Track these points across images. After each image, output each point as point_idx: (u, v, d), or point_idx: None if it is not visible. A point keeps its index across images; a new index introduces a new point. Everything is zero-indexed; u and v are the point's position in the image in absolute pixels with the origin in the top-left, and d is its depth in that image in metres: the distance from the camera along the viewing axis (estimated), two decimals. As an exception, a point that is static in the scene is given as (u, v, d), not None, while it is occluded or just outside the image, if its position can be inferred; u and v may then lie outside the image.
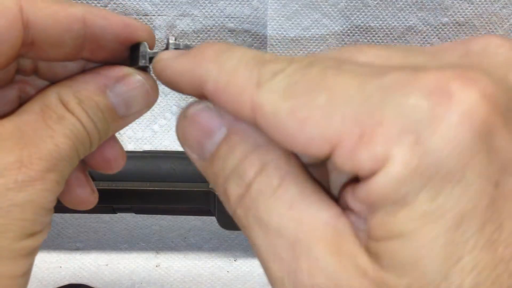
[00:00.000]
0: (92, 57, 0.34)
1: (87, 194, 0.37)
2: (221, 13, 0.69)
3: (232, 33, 0.69)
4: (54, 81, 0.35)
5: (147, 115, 0.75)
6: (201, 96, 0.28)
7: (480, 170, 0.22)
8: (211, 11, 0.69)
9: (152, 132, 0.75)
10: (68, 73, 0.34)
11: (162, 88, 0.73)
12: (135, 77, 0.33)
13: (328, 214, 0.25)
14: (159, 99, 0.74)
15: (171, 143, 0.76)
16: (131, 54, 0.34)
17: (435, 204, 0.22)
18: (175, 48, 0.32)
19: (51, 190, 0.31)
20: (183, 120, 0.29)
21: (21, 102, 0.34)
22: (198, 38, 0.71)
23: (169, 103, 0.74)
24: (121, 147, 0.37)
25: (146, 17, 0.69)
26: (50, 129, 0.31)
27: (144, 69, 0.34)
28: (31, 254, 0.32)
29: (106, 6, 0.68)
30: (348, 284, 0.23)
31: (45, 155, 0.31)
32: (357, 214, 0.25)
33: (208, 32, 0.70)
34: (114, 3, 0.69)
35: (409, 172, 0.22)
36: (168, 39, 0.32)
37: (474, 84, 0.22)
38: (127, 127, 0.70)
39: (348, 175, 0.26)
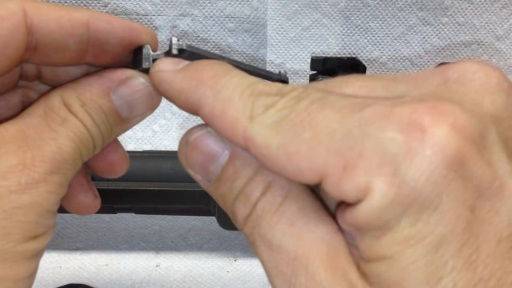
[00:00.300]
0: (96, 62, 0.34)
1: (90, 200, 0.37)
2: (221, 13, 0.69)
3: (232, 33, 0.69)
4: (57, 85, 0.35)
5: (147, 115, 0.75)
6: (197, 115, 0.29)
7: (455, 197, 0.23)
8: (211, 11, 0.69)
9: (152, 132, 0.75)
10: (71, 78, 0.34)
11: (162, 88, 0.73)
12: (139, 80, 0.33)
13: (325, 231, 0.27)
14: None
15: (171, 143, 0.76)
16: (134, 57, 0.34)
17: (415, 229, 0.23)
18: (179, 49, 0.32)
19: (54, 192, 0.31)
20: (185, 146, 0.30)
21: (24, 107, 0.34)
22: (198, 38, 0.71)
23: (169, 103, 0.74)
24: (124, 151, 0.37)
25: (146, 17, 0.69)
26: (53, 131, 0.31)
27: (147, 72, 0.33)
28: (35, 256, 0.31)
29: (106, 6, 0.68)
30: None
31: (48, 158, 0.31)
32: (349, 234, 0.26)
33: (208, 32, 0.70)
34: (114, 3, 0.69)
35: (389, 201, 0.23)
36: (171, 40, 0.32)
37: (445, 117, 0.24)
38: (127, 127, 0.70)
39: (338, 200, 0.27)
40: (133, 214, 0.72)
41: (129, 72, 0.33)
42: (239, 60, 0.71)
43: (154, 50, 0.34)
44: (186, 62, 0.31)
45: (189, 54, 0.32)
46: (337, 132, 0.25)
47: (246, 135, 0.27)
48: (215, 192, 0.30)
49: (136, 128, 0.75)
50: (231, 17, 0.69)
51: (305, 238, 0.26)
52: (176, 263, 0.69)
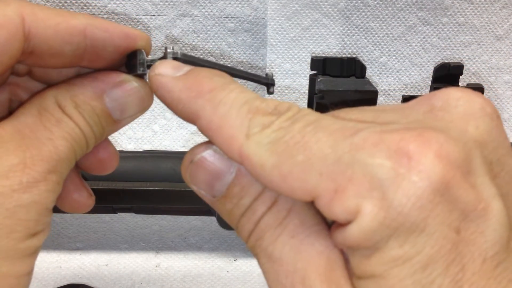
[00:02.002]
0: (90, 65, 0.34)
1: (85, 198, 0.37)
2: (221, 13, 0.69)
3: (232, 33, 0.69)
4: (48, 83, 0.35)
5: (147, 115, 0.75)
6: (192, 124, 0.30)
7: (440, 219, 0.25)
8: (211, 11, 0.69)
9: (152, 132, 0.75)
10: (63, 76, 0.35)
11: (162, 88, 0.73)
12: (132, 84, 0.34)
13: (325, 244, 0.28)
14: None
15: (171, 143, 0.76)
16: (128, 61, 0.34)
17: (402, 250, 0.25)
18: (173, 58, 0.33)
19: (52, 190, 0.32)
20: (190, 164, 0.31)
21: (12, 105, 0.35)
22: (198, 38, 0.71)
23: (169, 103, 0.74)
24: (114, 148, 0.38)
25: (146, 17, 0.69)
26: (48, 131, 0.32)
27: (141, 76, 0.35)
28: (34, 253, 0.32)
29: (106, 6, 0.68)
30: None
31: (46, 157, 0.31)
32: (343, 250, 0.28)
33: (208, 32, 0.70)
34: (114, 3, 0.69)
35: (377, 223, 0.25)
36: (165, 48, 0.33)
37: (431, 145, 0.25)
38: (127, 127, 0.70)
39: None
40: (133, 214, 0.72)
41: (123, 76, 0.34)
42: (239, 60, 0.71)
43: (148, 54, 0.34)
44: (186, 67, 0.31)
45: (183, 62, 0.32)
46: (329, 156, 0.26)
47: (242, 153, 0.28)
48: (220, 208, 0.31)
49: (136, 128, 0.75)
50: (231, 17, 0.69)
51: (304, 251, 0.28)
52: (176, 263, 0.69)
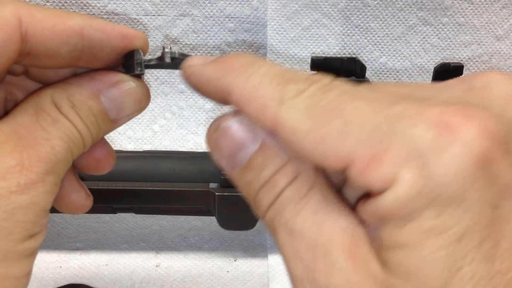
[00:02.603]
0: (87, 66, 0.34)
1: (83, 199, 0.37)
2: (221, 13, 0.69)
3: (232, 33, 0.69)
4: (44, 83, 0.35)
5: (147, 115, 0.75)
6: (226, 103, 0.30)
7: (479, 195, 0.25)
8: (211, 11, 0.69)
9: (152, 132, 0.75)
10: (59, 76, 0.35)
11: (162, 88, 0.73)
12: (129, 84, 0.34)
13: (347, 222, 0.28)
14: (159, 99, 0.75)
15: (171, 143, 0.76)
16: (126, 61, 0.35)
17: (438, 221, 0.25)
18: (171, 57, 0.34)
19: (50, 192, 0.32)
20: (215, 131, 0.31)
21: (7, 104, 0.35)
22: (198, 38, 0.71)
23: (169, 103, 0.74)
24: (110, 147, 0.38)
25: (146, 17, 0.69)
26: (45, 131, 0.32)
27: (139, 76, 0.35)
28: (32, 254, 0.32)
29: (106, 6, 0.68)
30: (359, 286, 0.26)
31: (43, 158, 0.31)
32: (370, 225, 0.27)
33: (208, 32, 0.70)
34: (114, 3, 0.68)
35: (415, 192, 0.25)
36: (163, 49, 0.33)
37: (474, 119, 0.25)
38: (127, 127, 0.70)
39: (361, 191, 0.28)
40: (133, 214, 0.72)
41: (120, 75, 0.34)
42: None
43: (145, 54, 0.35)
44: (214, 57, 0.32)
45: (181, 62, 0.33)
46: (367, 124, 0.26)
47: (276, 119, 0.27)
48: (239, 179, 0.30)
49: (136, 128, 0.75)
50: (231, 17, 0.69)
51: (327, 226, 0.27)
52: (176, 263, 0.69)
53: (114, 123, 0.35)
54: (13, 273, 0.31)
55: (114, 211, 0.63)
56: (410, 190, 0.25)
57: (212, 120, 0.31)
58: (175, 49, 0.34)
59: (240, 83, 0.29)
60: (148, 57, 0.34)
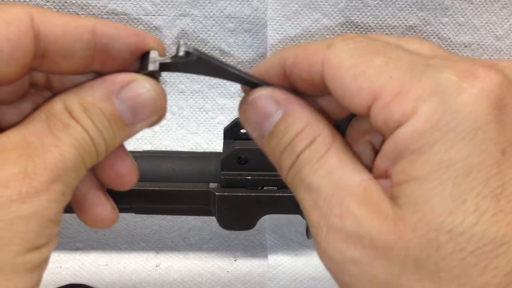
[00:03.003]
0: (103, 69, 0.33)
1: (108, 212, 0.37)
2: (221, 13, 0.69)
3: (232, 33, 0.69)
4: None
5: (147, 115, 0.75)
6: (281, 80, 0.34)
7: (490, 135, 0.27)
8: (211, 11, 0.69)
9: (152, 132, 0.75)
10: None
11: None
12: (141, 83, 0.33)
13: (361, 178, 0.30)
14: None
15: (171, 143, 0.76)
16: (141, 62, 0.33)
17: (447, 155, 0.27)
18: (185, 51, 0.32)
19: (56, 201, 0.31)
20: (244, 105, 0.34)
21: None
22: (198, 38, 0.70)
23: (169, 103, 0.74)
24: (132, 161, 0.37)
25: (146, 17, 0.69)
26: (55, 137, 0.31)
27: (153, 75, 0.33)
28: (37, 268, 0.31)
29: (106, 6, 0.68)
30: (371, 225, 0.28)
31: (50, 165, 0.30)
32: (385, 177, 0.30)
33: (208, 32, 0.70)
34: (114, 3, 0.68)
35: (429, 125, 0.27)
36: (179, 43, 0.32)
37: (496, 74, 0.28)
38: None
39: (379, 138, 0.32)
40: (133, 214, 0.72)
41: (132, 75, 0.33)
42: (239, 60, 0.71)
43: (162, 55, 0.33)
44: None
45: (196, 58, 0.32)
46: (404, 65, 0.29)
47: (324, 59, 0.31)
48: (266, 146, 0.34)
49: (136, 128, 0.75)
50: (231, 17, 0.69)
51: (341, 183, 0.30)
52: (176, 263, 0.69)
53: (129, 128, 0.33)
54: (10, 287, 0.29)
55: (114, 211, 0.63)
56: (426, 123, 0.27)
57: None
58: (191, 44, 0.33)
59: (293, 49, 0.33)
60: (163, 57, 0.33)
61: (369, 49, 0.30)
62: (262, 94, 0.33)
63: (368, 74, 0.29)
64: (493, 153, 0.27)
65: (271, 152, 0.33)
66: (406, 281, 0.28)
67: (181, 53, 0.32)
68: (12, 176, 0.29)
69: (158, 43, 0.34)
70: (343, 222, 0.29)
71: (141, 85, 0.33)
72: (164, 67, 0.33)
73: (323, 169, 0.31)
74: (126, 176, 0.37)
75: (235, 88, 0.73)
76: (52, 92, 0.35)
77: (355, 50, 0.30)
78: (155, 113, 0.34)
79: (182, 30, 0.70)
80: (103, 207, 0.37)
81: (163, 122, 0.75)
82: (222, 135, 0.59)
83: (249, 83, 0.34)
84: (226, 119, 0.75)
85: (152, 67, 0.33)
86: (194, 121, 0.75)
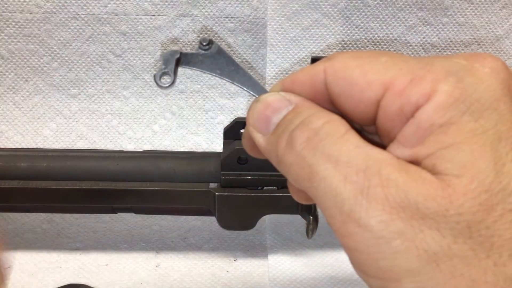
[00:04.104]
0: None
1: None
2: (221, 13, 0.68)
3: (232, 33, 0.69)
4: None
5: (147, 115, 0.75)
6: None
7: (509, 107, 0.28)
8: (211, 11, 0.69)
9: (152, 132, 0.75)
10: None
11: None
12: None
13: (389, 155, 0.29)
14: (159, 99, 0.74)
15: (171, 143, 0.76)
16: None
17: (478, 123, 0.27)
18: (210, 39, 0.35)
19: None
20: (256, 103, 0.34)
21: None
22: (198, 38, 0.70)
23: (169, 103, 0.74)
24: None
25: (146, 17, 0.69)
26: None
27: None
28: None
29: (106, 6, 0.68)
30: (417, 192, 0.27)
31: None
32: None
33: (208, 32, 0.70)
34: (114, 3, 0.68)
35: (453, 100, 0.28)
36: (201, 36, 0.34)
37: (500, 59, 0.30)
38: (127, 127, 0.70)
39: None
40: (133, 214, 0.72)
41: None
42: (238, 60, 0.71)
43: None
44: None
45: (218, 49, 0.35)
46: (411, 60, 0.30)
47: (326, 66, 0.31)
48: (270, 138, 0.33)
49: (136, 128, 0.75)
50: (231, 17, 0.69)
51: (372, 155, 0.29)
52: (176, 263, 0.69)
53: None
54: None
55: (114, 211, 0.63)
56: (449, 98, 0.28)
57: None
58: (207, 36, 0.35)
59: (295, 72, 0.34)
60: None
61: (371, 52, 0.31)
62: (274, 93, 0.34)
63: (377, 69, 0.30)
64: None
65: (275, 139, 0.32)
66: (458, 251, 0.26)
67: (204, 43, 0.35)
68: None
69: None
70: (385, 191, 0.27)
71: None
72: (184, 57, 0.35)
73: (349, 143, 0.29)
74: None
75: (235, 88, 0.73)
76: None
77: (357, 54, 0.31)
78: None
79: (182, 30, 0.70)
80: None
81: (163, 122, 0.75)
82: (222, 135, 0.59)
83: (258, 89, 0.36)
84: (226, 119, 0.75)
85: None
86: (194, 121, 0.75)
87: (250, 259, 0.69)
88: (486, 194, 0.26)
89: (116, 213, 0.64)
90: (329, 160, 0.29)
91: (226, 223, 0.62)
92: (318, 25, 0.67)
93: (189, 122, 0.75)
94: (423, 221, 0.27)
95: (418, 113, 0.28)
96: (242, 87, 0.36)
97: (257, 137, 0.33)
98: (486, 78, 0.28)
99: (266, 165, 0.57)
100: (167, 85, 0.35)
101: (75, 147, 0.75)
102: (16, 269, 0.67)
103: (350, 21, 0.67)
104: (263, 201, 0.60)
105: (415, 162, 0.29)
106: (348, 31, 0.68)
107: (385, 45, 0.68)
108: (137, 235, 0.71)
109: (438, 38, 0.68)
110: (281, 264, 0.67)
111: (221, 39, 0.70)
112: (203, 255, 0.70)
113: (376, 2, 0.65)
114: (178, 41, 0.71)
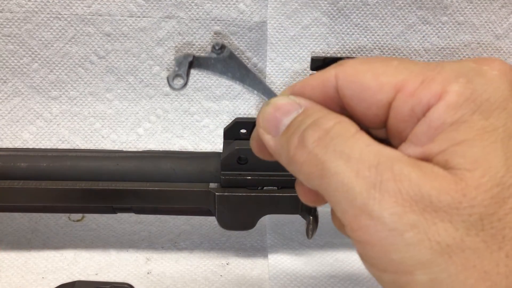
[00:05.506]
0: None
1: None
2: (207, 16, 0.68)
3: (218, 36, 0.69)
4: None
5: (132, 118, 0.73)
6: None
7: None
8: (197, 13, 0.68)
9: (136, 135, 0.74)
10: None
11: (146, 91, 0.72)
12: None
13: (400, 153, 0.30)
14: (144, 102, 0.73)
15: (156, 147, 0.74)
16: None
17: (488, 122, 0.28)
18: (222, 44, 0.37)
19: None
20: (266, 105, 0.34)
21: None
22: (184, 40, 0.70)
23: (154, 106, 0.73)
24: None
25: (131, 18, 0.68)
26: None
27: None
28: None
29: (90, 7, 0.67)
30: (430, 186, 0.28)
31: None
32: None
33: (194, 35, 0.69)
34: (99, 3, 0.67)
35: (463, 99, 0.29)
36: (213, 41, 0.35)
37: (506, 63, 0.31)
38: (110, 131, 0.68)
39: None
40: (120, 221, 0.70)
41: None
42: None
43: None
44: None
45: (230, 53, 0.37)
46: (421, 63, 0.31)
47: (337, 71, 0.33)
48: (280, 139, 0.33)
49: (120, 131, 0.73)
50: (217, 20, 0.68)
51: (384, 152, 0.29)
52: (167, 269, 0.67)
53: None
54: None
55: (114, 211, 0.62)
56: (460, 97, 0.29)
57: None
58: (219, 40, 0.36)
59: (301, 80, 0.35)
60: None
61: (380, 58, 0.32)
62: (284, 96, 0.35)
63: (388, 72, 0.31)
64: None
65: (285, 139, 0.33)
66: (471, 243, 0.27)
67: (217, 47, 0.37)
68: None
69: None
70: (398, 185, 0.28)
71: None
72: (197, 61, 0.37)
73: (361, 141, 0.30)
74: None
75: (220, 91, 0.73)
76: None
77: (368, 59, 0.32)
78: None
79: (168, 32, 0.69)
80: None
81: (148, 125, 0.74)
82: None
83: (268, 93, 0.37)
84: (212, 122, 0.74)
85: None
86: (179, 124, 0.74)
87: (243, 261, 0.69)
88: (498, 187, 0.27)
89: (116, 213, 0.63)
90: (341, 157, 0.30)
91: (226, 223, 0.61)
92: (318, 23, 0.68)
93: (174, 125, 0.74)
94: (436, 214, 0.27)
95: (429, 113, 0.29)
96: (252, 90, 0.37)
97: (267, 138, 0.34)
98: (495, 79, 0.30)
99: (266, 165, 0.57)
100: (179, 86, 0.36)
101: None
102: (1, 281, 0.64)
103: (349, 19, 0.68)
104: (263, 201, 0.60)
105: (426, 159, 0.30)
106: (348, 30, 0.68)
107: (384, 44, 0.69)
108: (126, 242, 0.69)
109: (438, 37, 0.69)
110: (281, 264, 0.67)
111: (206, 41, 0.70)
112: (194, 260, 0.68)
113: (376, 0, 0.66)
114: (164, 43, 0.70)
